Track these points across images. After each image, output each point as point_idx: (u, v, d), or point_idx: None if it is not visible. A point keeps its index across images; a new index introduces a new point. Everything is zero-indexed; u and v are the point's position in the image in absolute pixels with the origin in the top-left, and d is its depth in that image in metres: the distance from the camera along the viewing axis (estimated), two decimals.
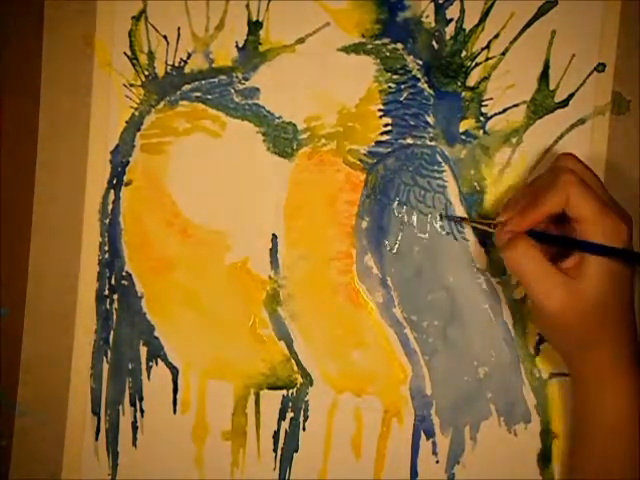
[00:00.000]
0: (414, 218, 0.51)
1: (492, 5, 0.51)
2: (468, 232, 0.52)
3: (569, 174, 0.44)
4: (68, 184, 0.52)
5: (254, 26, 0.52)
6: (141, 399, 0.52)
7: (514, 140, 0.52)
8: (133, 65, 0.52)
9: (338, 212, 0.52)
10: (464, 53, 0.52)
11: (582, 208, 0.44)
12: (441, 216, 0.52)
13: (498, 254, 0.51)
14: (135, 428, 0.52)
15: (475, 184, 0.52)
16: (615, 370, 0.45)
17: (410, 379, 0.52)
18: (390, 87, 0.52)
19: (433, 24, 0.52)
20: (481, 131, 0.52)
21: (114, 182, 0.52)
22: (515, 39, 0.51)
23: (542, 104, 0.51)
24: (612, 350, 0.45)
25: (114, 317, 0.52)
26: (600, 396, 0.46)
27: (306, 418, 0.52)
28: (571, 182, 0.44)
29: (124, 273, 0.52)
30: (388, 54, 0.52)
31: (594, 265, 0.44)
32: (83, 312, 0.52)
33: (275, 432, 0.52)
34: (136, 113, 0.52)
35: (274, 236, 0.52)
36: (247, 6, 0.52)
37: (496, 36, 0.51)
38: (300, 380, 0.52)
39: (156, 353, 0.52)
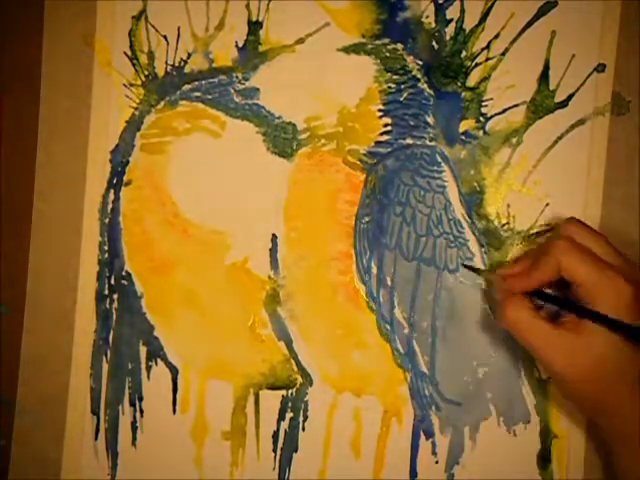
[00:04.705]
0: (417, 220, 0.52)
1: (492, 5, 0.51)
2: (467, 233, 0.52)
3: (562, 240, 0.44)
4: (68, 184, 0.52)
5: (254, 26, 0.52)
6: (141, 399, 0.52)
7: (514, 140, 0.52)
8: (133, 65, 0.52)
9: (338, 212, 0.52)
10: (464, 53, 0.52)
11: (576, 273, 0.44)
12: (464, 265, 0.51)
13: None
14: (135, 428, 0.52)
15: (475, 184, 0.52)
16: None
17: (410, 379, 0.52)
18: (390, 87, 0.52)
19: (433, 24, 0.52)
20: (481, 131, 0.52)
21: (114, 182, 0.52)
22: (515, 39, 0.51)
23: (542, 104, 0.51)
24: (632, 413, 0.43)
25: (114, 317, 0.52)
26: (626, 463, 0.44)
27: (306, 418, 0.52)
28: (562, 248, 0.44)
29: (124, 273, 0.52)
30: (388, 54, 0.52)
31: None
32: (83, 312, 0.52)
33: (274, 432, 0.52)
34: (136, 113, 0.52)
35: (274, 236, 0.52)
36: (247, 6, 0.52)
37: (496, 36, 0.51)
38: (300, 380, 0.52)
39: (156, 353, 0.52)
